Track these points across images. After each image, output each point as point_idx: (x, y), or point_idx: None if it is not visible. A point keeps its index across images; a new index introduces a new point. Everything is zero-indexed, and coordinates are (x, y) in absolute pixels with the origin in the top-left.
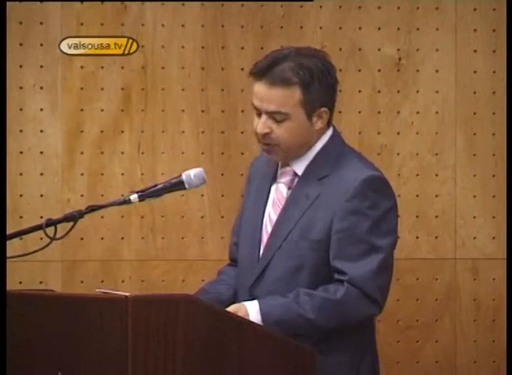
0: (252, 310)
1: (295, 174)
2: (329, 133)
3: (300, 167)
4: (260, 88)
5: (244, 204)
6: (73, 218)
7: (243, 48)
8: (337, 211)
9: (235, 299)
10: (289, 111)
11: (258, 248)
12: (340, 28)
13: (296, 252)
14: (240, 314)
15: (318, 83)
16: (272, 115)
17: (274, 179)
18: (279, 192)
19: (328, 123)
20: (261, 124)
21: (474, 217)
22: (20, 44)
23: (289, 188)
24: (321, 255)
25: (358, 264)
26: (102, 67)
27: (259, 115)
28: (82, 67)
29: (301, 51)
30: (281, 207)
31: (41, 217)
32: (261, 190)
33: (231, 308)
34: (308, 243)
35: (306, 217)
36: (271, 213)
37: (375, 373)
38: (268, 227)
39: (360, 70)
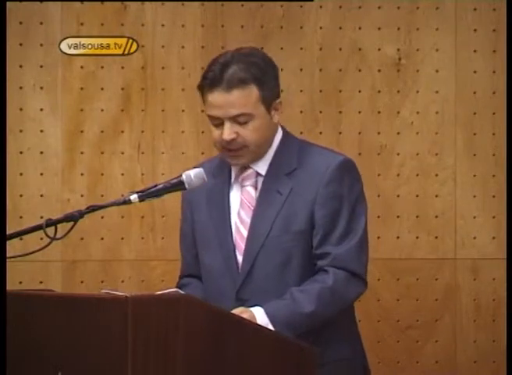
0: (258, 314)
1: (258, 174)
2: (280, 130)
3: (261, 166)
4: (217, 96)
5: (189, 220)
6: (73, 218)
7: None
8: (317, 198)
9: None
10: (252, 110)
11: (233, 254)
12: (340, 28)
13: (280, 247)
14: (245, 316)
15: (268, 76)
16: (235, 119)
17: (228, 184)
18: (247, 194)
19: None
20: (227, 130)
21: (474, 217)
22: (20, 44)
23: (255, 189)
24: (306, 244)
25: (341, 244)
26: (102, 67)
27: (217, 125)
28: (82, 67)
29: (241, 51)
30: (252, 208)
31: (41, 217)
32: (215, 199)
33: (236, 311)
34: (292, 235)
35: (284, 212)
36: (242, 216)
37: (365, 355)
38: (241, 230)
39: (360, 70)
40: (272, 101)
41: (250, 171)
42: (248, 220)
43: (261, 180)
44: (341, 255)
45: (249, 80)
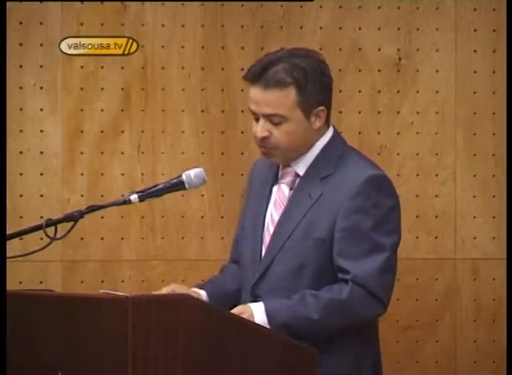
0: (258, 312)
1: (296, 175)
2: (330, 133)
3: (301, 168)
4: (255, 92)
5: (246, 206)
6: (73, 218)
7: (243, 48)
8: (340, 210)
9: (238, 296)
10: (286, 113)
11: (260, 248)
12: (340, 28)
13: (299, 251)
14: (244, 316)
15: (312, 82)
16: (269, 118)
17: (275, 180)
18: (281, 192)
19: (328, 123)
20: (260, 128)
21: (474, 217)
22: (20, 44)
23: (290, 189)
24: (325, 253)
25: (362, 262)
26: (102, 67)
27: (257, 119)
28: (82, 67)
29: (294, 52)
30: (283, 207)
31: (41, 217)
32: (262, 191)
33: (236, 310)
34: (312, 242)
35: (309, 216)
36: (273, 213)
37: (377, 371)
38: (270, 227)
39: (360, 70)
40: (313, 107)
41: (290, 169)
42: (277, 218)
43: (298, 180)
44: (361, 274)
45: (288, 82)
